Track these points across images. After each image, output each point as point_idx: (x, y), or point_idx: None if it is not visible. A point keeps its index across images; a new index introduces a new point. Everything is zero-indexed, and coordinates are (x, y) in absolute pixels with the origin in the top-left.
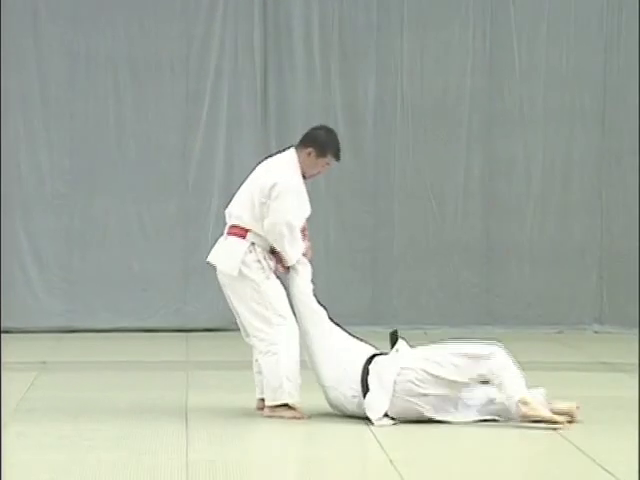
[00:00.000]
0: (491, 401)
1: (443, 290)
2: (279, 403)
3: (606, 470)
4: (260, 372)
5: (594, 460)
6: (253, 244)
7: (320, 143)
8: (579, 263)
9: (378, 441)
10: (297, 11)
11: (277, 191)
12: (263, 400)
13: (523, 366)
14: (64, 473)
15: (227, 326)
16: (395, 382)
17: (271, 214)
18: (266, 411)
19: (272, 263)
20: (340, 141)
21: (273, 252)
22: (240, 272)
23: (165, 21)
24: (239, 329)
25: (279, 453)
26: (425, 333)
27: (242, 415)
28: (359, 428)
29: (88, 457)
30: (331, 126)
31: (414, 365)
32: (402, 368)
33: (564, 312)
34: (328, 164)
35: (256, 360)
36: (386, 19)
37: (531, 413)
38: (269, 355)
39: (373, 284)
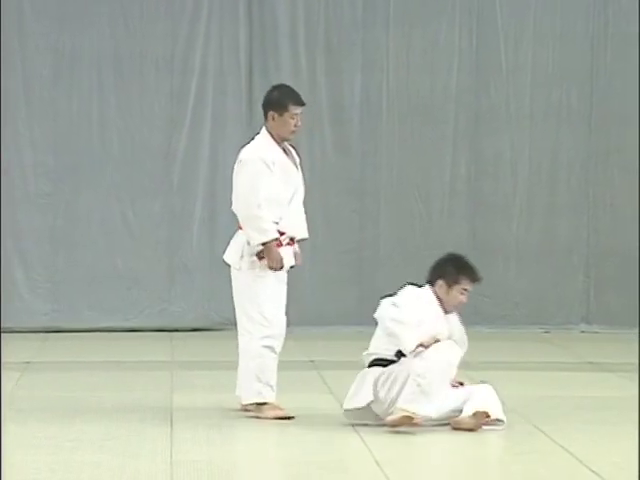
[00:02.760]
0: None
1: None
2: (250, 402)
3: (592, 470)
4: None
5: (580, 460)
6: None
7: (276, 101)
8: (566, 262)
9: (364, 442)
10: (282, 9)
11: (239, 166)
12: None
13: (511, 366)
14: (47, 474)
15: (212, 326)
16: None
17: (234, 192)
18: (250, 411)
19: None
20: (326, 138)
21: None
22: (240, 265)
23: (150, 20)
24: (224, 329)
25: (264, 454)
26: None
27: (227, 416)
28: (345, 429)
29: (72, 458)
30: (317, 125)
31: None
32: None
33: (551, 312)
34: (296, 114)
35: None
36: (372, 17)
37: None
38: (244, 353)
39: (360, 284)
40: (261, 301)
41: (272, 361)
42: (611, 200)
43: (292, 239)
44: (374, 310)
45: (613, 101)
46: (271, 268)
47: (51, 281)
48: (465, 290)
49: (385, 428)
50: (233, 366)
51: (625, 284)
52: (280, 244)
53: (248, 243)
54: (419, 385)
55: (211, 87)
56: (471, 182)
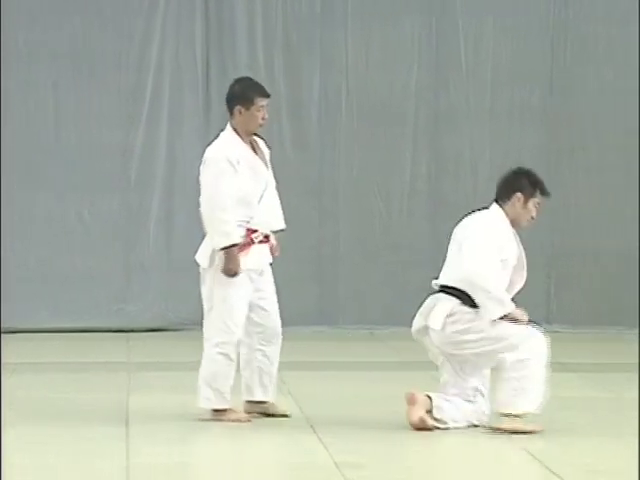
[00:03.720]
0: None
1: (390, 289)
2: (202, 407)
3: (553, 472)
4: (245, 368)
5: (542, 462)
6: None
7: (241, 95)
8: (527, 262)
9: (324, 444)
10: (240, 5)
11: (204, 166)
12: (249, 402)
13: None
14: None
15: (169, 326)
16: None
17: (202, 194)
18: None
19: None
20: (285, 136)
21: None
22: (209, 264)
23: (106, 15)
24: (182, 329)
25: (222, 456)
26: (371, 333)
27: (185, 417)
28: (304, 431)
29: (27, 460)
30: (275, 122)
31: None
32: None
33: None
34: (262, 106)
35: (245, 354)
36: (330, 14)
37: None
38: (204, 356)
39: (319, 283)
40: (227, 306)
41: (226, 368)
42: (573, 199)
43: (266, 236)
44: (334, 309)
45: (573, 100)
46: (224, 272)
47: (5, 280)
48: (539, 204)
49: (345, 429)
50: (191, 367)
51: (587, 284)
52: (252, 242)
53: None
54: (515, 389)
55: (168, 84)
56: (431, 181)
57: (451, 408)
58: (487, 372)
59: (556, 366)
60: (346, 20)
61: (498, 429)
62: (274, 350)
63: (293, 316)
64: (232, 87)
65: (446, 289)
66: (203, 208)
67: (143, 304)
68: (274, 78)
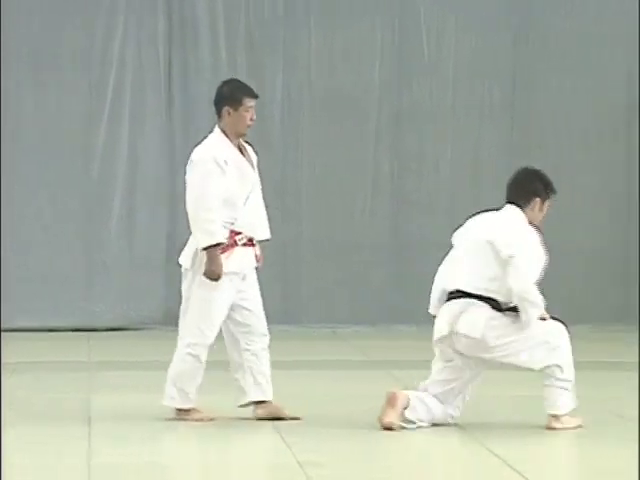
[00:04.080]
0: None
1: (352, 288)
2: (165, 404)
3: (516, 470)
4: (238, 370)
5: (504, 460)
6: None
7: (227, 97)
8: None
9: (287, 443)
10: (202, 3)
11: (190, 166)
12: (256, 403)
13: (429, 365)
14: None
15: (131, 325)
16: None
17: (187, 194)
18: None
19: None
20: (247, 136)
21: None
22: (190, 265)
23: (67, 11)
24: (143, 329)
25: (185, 456)
26: (334, 332)
27: (146, 417)
28: (267, 431)
29: None
30: None
31: None
32: None
33: None
34: (250, 107)
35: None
36: (292, 11)
37: None
38: (175, 355)
39: (282, 282)
40: (204, 309)
41: (193, 369)
42: None
43: (250, 240)
44: (297, 309)
45: (535, 96)
46: (206, 275)
47: None
48: (549, 205)
49: (308, 428)
50: (153, 366)
51: (545, 281)
52: (235, 244)
53: None
54: (562, 388)
55: (130, 82)
56: (394, 179)
57: (423, 410)
58: (478, 379)
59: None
60: (309, 19)
61: (552, 429)
62: (262, 348)
63: None
64: (220, 89)
65: (471, 295)
66: (189, 207)
67: (105, 303)
68: (237, 77)
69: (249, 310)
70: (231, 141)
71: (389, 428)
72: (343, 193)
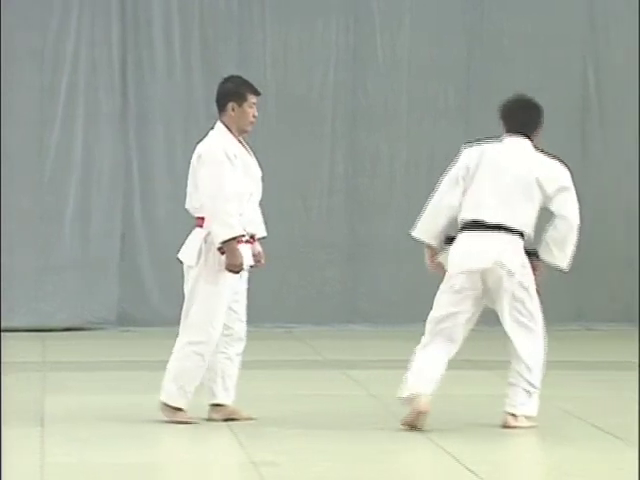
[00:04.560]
0: None
1: (308, 288)
2: (163, 401)
3: (469, 470)
4: (209, 370)
5: (458, 459)
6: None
7: (233, 92)
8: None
9: (241, 443)
10: (156, 2)
11: (202, 160)
12: (217, 405)
13: (387, 364)
14: None
15: (85, 326)
16: None
17: (198, 187)
18: (161, 410)
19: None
20: (202, 136)
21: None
22: (195, 262)
23: (19, 11)
24: (98, 329)
25: (138, 457)
26: (289, 332)
27: (101, 418)
28: (222, 431)
29: None
30: (192, 122)
31: None
32: None
33: (429, 310)
34: (254, 103)
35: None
36: (247, 12)
37: None
38: (175, 351)
39: None
40: (209, 305)
41: (197, 368)
42: None
43: (252, 237)
44: (251, 308)
45: (490, 97)
46: (229, 269)
47: None
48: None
49: (262, 427)
50: (107, 367)
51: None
52: (240, 241)
53: (205, 241)
54: (526, 390)
55: (83, 82)
56: (349, 180)
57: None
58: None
59: (471, 363)
60: (264, 19)
61: (508, 427)
62: (237, 354)
63: None
64: (223, 85)
65: (507, 229)
66: (205, 201)
67: (59, 304)
68: (192, 77)
69: (236, 313)
70: (234, 137)
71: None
72: (298, 193)
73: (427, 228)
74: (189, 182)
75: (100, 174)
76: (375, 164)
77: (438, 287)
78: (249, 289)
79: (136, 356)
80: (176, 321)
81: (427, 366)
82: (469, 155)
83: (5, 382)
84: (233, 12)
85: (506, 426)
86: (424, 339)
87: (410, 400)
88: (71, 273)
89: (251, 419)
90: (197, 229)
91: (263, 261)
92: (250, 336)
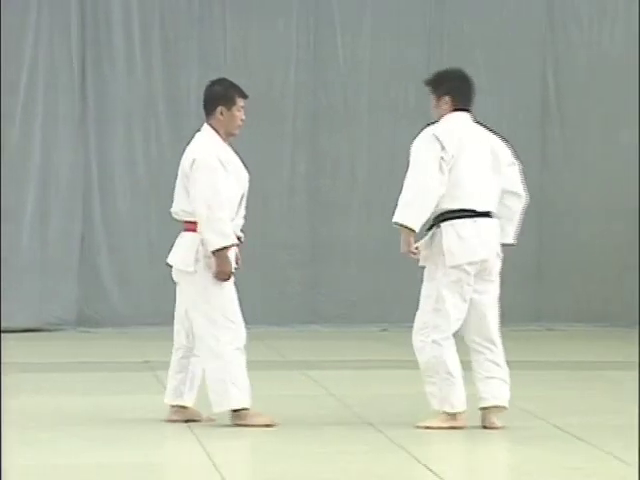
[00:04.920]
0: None
1: (268, 288)
2: (226, 409)
3: (430, 470)
4: (181, 372)
5: (419, 460)
6: None
7: (221, 96)
8: (404, 261)
9: (201, 445)
10: (116, 2)
11: (195, 166)
12: (181, 407)
13: (347, 364)
14: None
15: (43, 327)
16: None
17: (190, 193)
18: (233, 419)
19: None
20: (162, 135)
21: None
22: (194, 268)
23: None
24: (57, 330)
25: (97, 458)
26: (250, 331)
27: (58, 419)
28: (182, 432)
29: None
30: (153, 121)
31: None
32: None
33: (389, 310)
34: (242, 107)
35: (181, 358)
36: (208, 10)
37: None
38: (212, 359)
39: None
40: (222, 303)
41: (243, 364)
42: None
43: (238, 239)
44: None
45: None
46: (218, 276)
47: None
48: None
49: (223, 428)
50: (66, 368)
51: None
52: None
53: (202, 244)
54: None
55: (42, 80)
56: (310, 180)
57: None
58: None
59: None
60: (224, 18)
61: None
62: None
63: (171, 316)
64: (211, 88)
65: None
66: (199, 208)
67: (17, 305)
68: (152, 76)
69: None
70: (223, 140)
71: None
72: (259, 193)
73: (417, 215)
74: (178, 186)
75: (59, 174)
76: (336, 165)
77: (398, 289)
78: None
79: (95, 357)
80: (135, 321)
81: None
82: (449, 142)
83: None
84: (194, 11)
85: (491, 426)
86: (448, 339)
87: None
88: (30, 274)
89: (211, 420)
90: (189, 233)
91: (241, 264)
92: None
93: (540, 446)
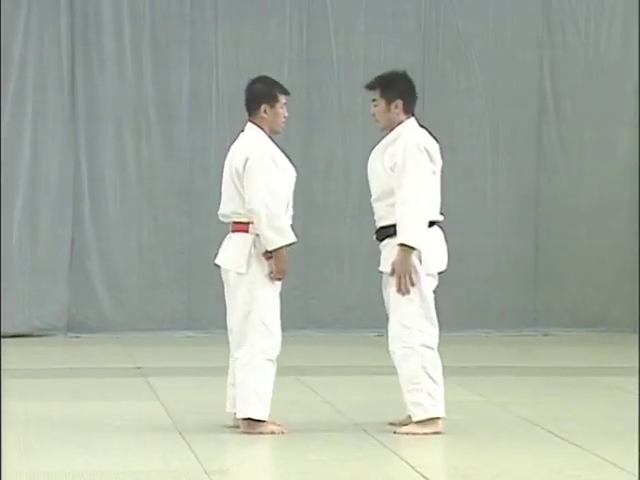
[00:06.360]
0: None
1: None
2: (245, 417)
3: (424, 477)
4: (233, 384)
5: (413, 466)
6: (258, 235)
7: (264, 94)
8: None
9: (193, 451)
10: (106, 1)
11: (249, 165)
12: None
13: (342, 370)
14: None
15: (33, 332)
16: None
17: (246, 192)
18: (241, 426)
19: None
20: (153, 137)
21: None
22: (246, 269)
23: None
24: (46, 335)
25: (89, 465)
26: None
27: (48, 425)
28: (173, 438)
29: None
30: (144, 122)
31: None
32: None
33: (384, 316)
34: (285, 103)
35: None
36: (200, 11)
37: None
38: (244, 364)
39: (189, 287)
40: (265, 309)
41: (272, 375)
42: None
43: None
44: (203, 315)
45: (445, 97)
46: (278, 276)
47: None
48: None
49: (214, 435)
50: (56, 374)
51: (451, 286)
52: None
53: (254, 245)
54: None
55: (31, 80)
56: (304, 182)
57: None
58: None
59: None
60: (216, 18)
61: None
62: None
63: (162, 321)
64: (253, 86)
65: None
66: (259, 208)
67: (6, 309)
68: (142, 77)
69: None
70: (269, 139)
71: None
72: None
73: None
74: (227, 187)
75: (48, 177)
76: (329, 166)
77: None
78: (198, 295)
79: (86, 363)
80: (126, 327)
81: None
82: (435, 152)
83: None
84: (185, 11)
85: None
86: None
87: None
88: (19, 278)
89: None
90: (238, 234)
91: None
92: (201, 342)
93: (534, 451)
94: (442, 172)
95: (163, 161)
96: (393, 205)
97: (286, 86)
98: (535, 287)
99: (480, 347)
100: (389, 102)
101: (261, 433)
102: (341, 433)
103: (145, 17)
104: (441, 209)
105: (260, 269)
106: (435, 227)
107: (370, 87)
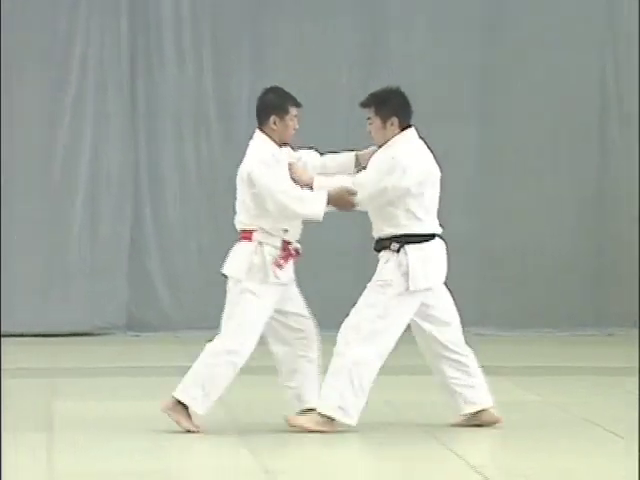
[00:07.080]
0: None
1: None
2: (178, 398)
3: (480, 473)
4: (290, 386)
5: (467, 461)
6: (260, 244)
7: (275, 105)
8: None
9: (252, 451)
10: (167, 2)
11: (255, 175)
12: (310, 410)
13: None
14: None
15: (93, 331)
16: None
17: (266, 198)
18: (170, 405)
19: (282, 262)
20: (213, 136)
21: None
22: (245, 275)
23: (28, 10)
24: (106, 334)
25: (149, 464)
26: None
27: (109, 424)
28: (232, 439)
29: None
30: (204, 121)
31: None
32: None
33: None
34: (296, 116)
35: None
36: (260, 10)
37: None
38: (208, 355)
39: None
40: (251, 317)
41: (227, 378)
42: None
43: (297, 251)
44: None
45: (505, 96)
46: (349, 207)
47: None
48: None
49: (273, 433)
50: (116, 372)
51: (513, 286)
52: (291, 254)
53: (255, 253)
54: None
55: (92, 82)
56: None
57: None
58: None
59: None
60: (277, 19)
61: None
62: (316, 354)
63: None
64: (265, 96)
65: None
66: (280, 199)
67: (67, 308)
68: (202, 76)
69: (302, 316)
70: (277, 146)
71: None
72: None
73: None
74: (238, 195)
75: (109, 177)
76: None
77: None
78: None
79: (145, 361)
80: (185, 325)
81: None
82: (419, 168)
83: (12, 388)
84: (245, 10)
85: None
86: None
87: None
88: (79, 277)
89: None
90: (243, 242)
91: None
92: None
93: (596, 453)
94: (499, 173)
95: (223, 160)
96: (388, 218)
97: (346, 85)
98: (596, 287)
99: (540, 347)
100: (384, 120)
101: (178, 422)
102: (400, 433)
103: (205, 17)
104: (504, 210)
105: (258, 279)
106: (435, 240)
107: (364, 105)
